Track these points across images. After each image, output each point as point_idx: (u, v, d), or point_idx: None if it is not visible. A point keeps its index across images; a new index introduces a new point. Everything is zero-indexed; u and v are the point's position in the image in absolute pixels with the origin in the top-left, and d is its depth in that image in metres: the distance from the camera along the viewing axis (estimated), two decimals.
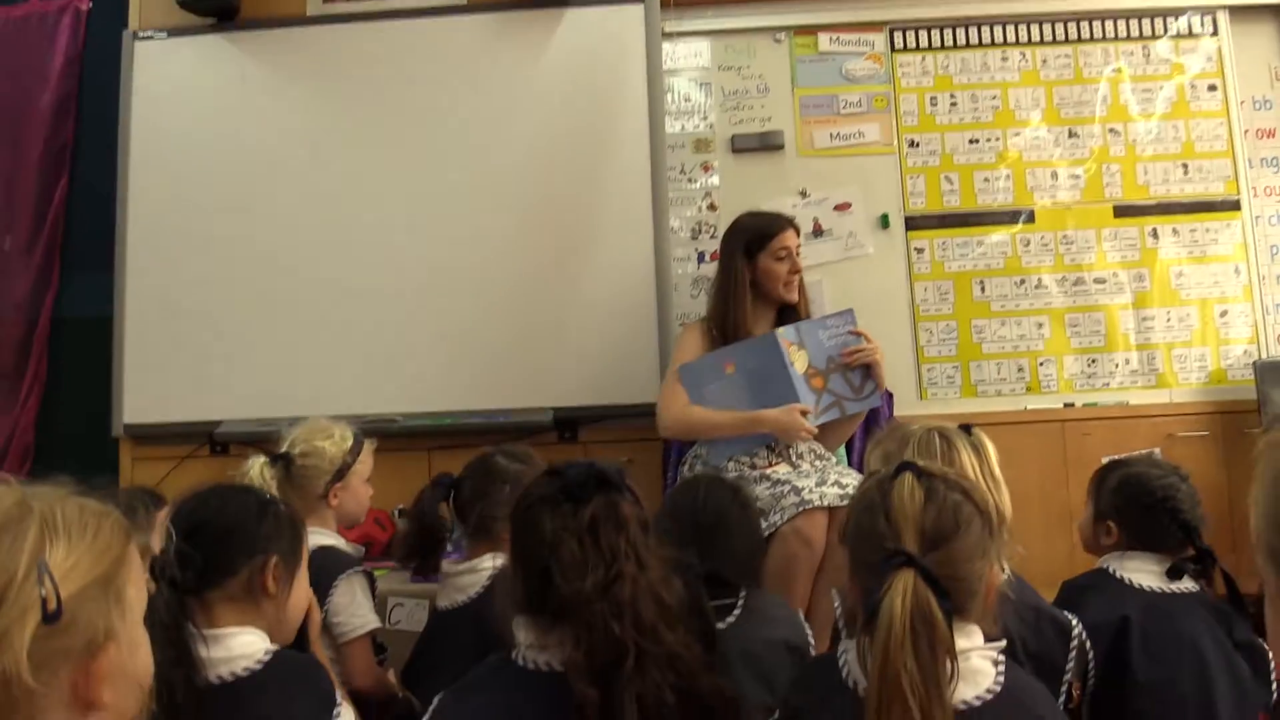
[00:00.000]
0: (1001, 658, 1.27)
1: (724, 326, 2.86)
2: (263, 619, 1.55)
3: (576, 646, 1.22)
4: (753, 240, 2.90)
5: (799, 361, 2.73)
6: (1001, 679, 1.25)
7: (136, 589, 0.94)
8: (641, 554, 1.27)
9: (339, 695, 1.51)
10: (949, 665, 1.17)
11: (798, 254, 2.92)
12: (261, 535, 1.56)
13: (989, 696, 1.23)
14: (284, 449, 2.26)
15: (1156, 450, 2.09)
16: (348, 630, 2.10)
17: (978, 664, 1.25)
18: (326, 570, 2.06)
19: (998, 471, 1.88)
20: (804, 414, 2.65)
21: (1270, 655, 1.89)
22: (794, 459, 2.77)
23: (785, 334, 2.76)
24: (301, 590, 1.65)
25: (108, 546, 0.91)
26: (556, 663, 1.25)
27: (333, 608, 2.08)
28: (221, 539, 1.52)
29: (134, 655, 0.93)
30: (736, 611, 1.77)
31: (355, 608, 2.13)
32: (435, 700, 1.31)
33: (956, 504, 1.27)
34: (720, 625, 1.63)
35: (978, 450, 1.88)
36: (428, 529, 2.05)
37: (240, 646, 1.48)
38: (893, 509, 1.25)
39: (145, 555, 1.77)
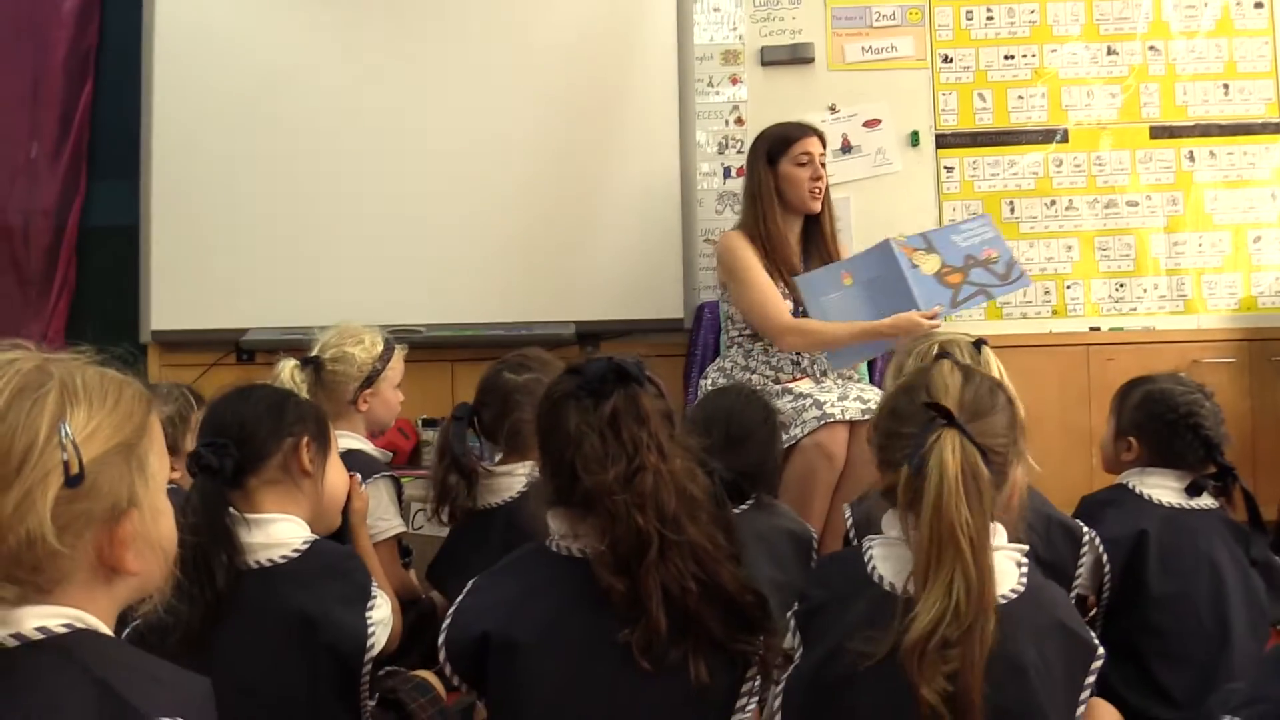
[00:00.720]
0: (1026, 560, 1.29)
1: (757, 235, 2.84)
2: (305, 501, 1.58)
3: (602, 538, 1.24)
4: (774, 145, 2.89)
5: (927, 264, 2.73)
6: (1025, 580, 1.28)
7: (159, 458, 0.95)
8: (664, 445, 1.28)
9: (375, 588, 1.54)
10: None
11: (821, 163, 2.88)
12: (287, 420, 1.59)
13: (1013, 596, 1.25)
14: (315, 353, 2.27)
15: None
16: (374, 534, 2.14)
17: (1003, 564, 1.27)
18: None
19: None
20: (931, 317, 2.62)
21: None
22: (818, 375, 2.77)
23: (905, 240, 2.77)
24: (338, 473, 1.68)
25: (129, 414, 0.91)
26: (590, 549, 1.28)
27: None
28: (250, 427, 1.55)
29: (157, 523, 0.93)
30: (749, 502, 1.85)
31: (381, 511, 2.17)
32: (470, 583, 1.35)
33: (991, 387, 1.33)
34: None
35: (977, 363, 1.88)
36: (458, 462, 2.02)
37: (279, 533, 1.51)
38: (934, 385, 1.30)
39: (181, 453, 1.82)
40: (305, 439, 1.59)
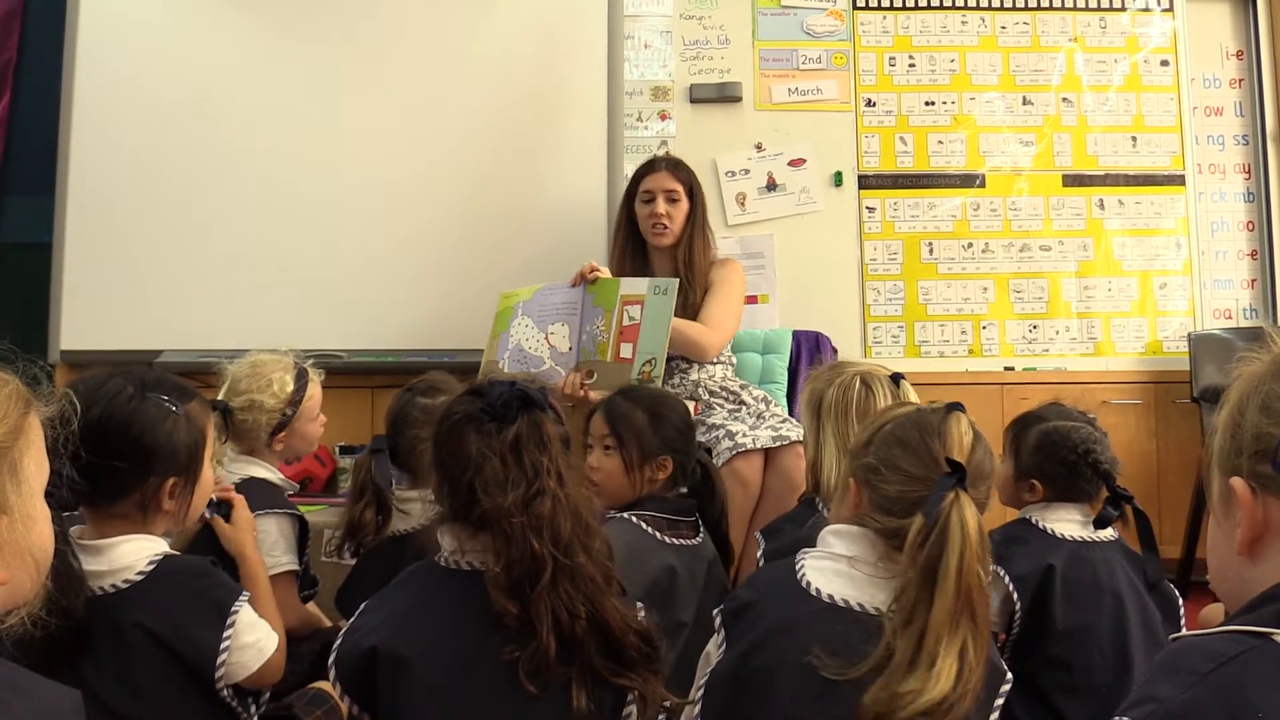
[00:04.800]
0: None
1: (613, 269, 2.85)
2: (158, 527, 1.47)
3: (497, 560, 1.24)
4: (630, 183, 2.93)
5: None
6: None
7: (36, 462, 0.90)
8: (563, 471, 1.29)
9: (241, 607, 1.43)
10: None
11: (666, 198, 2.85)
12: (159, 459, 1.44)
13: None
14: (222, 396, 2.10)
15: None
16: None
17: None
18: (250, 504, 1.99)
19: None
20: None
21: (1179, 599, 1.96)
22: (705, 398, 2.79)
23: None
24: (205, 484, 1.54)
25: (3, 415, 0.87)
26: (477, 563, 1.28)
27: None
28: (118, 461, 1.40)
29: (29, 530, 0.88)
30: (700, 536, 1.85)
31: (270, 547, 2.01)
32: (363, 604, 1.32)
33: (988, 452, 1.32)
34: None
35: (897, 395, 1.90)
36: (380, 497, 1.97)
37: (121, 557, 1.40)
38: (950, 437, 1.28)
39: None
40: (170, 481, 1.45)
